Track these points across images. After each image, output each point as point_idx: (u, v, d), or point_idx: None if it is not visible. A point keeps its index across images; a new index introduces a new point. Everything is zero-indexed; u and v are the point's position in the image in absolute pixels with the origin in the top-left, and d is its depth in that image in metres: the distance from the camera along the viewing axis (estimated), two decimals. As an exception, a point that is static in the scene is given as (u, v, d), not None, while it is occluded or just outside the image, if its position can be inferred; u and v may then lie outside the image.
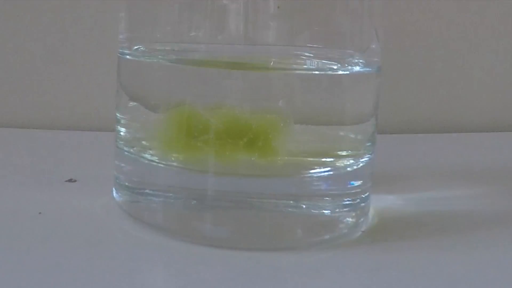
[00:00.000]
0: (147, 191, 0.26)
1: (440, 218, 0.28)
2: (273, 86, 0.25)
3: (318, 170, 0.25)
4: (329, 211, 0.25)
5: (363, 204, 0.26)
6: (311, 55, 0.25)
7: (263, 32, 0.25)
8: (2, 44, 0.43)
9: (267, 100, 0.24)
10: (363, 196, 0.26)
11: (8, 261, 0.22)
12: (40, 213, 0.26)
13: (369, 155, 0.26)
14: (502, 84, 0.48)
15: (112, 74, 0.28)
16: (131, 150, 0.26)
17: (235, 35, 0.24)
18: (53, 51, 0.43)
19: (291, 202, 0.25)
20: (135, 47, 0.26)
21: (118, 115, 0.27)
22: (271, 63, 0.26)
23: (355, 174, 0.26)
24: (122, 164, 0.27)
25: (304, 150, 0.25)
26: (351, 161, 0.26)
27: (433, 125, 0.47)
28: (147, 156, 0.25)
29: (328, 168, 0.25)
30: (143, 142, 0.26)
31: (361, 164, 0.26)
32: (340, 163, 0.26)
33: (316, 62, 0.26)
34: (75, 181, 0.30)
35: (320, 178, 0.25)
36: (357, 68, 0.26)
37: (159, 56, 0.26)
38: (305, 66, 0.26)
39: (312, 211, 0.25)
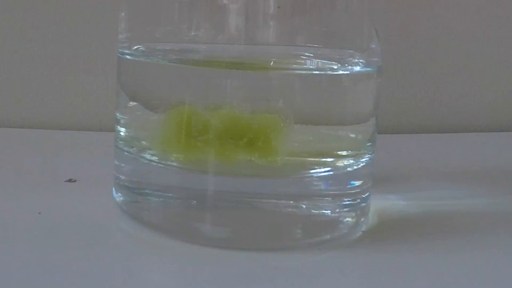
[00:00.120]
0: (147, 191, 0.26)
1: (440, 218, 0.28)
2: (273, 86, 0.25)
3: (318, 170, 0.25)
4: (329, 211, 0.25)
5: (363, 204, 0.26)
6: (311, 55, 0.25)
7: (263, 32, 0.25)
8: (2, 44, 0.43)
9: (267, 100, 0.24)
10: (363, 196, 0.26)
11: (8, 261, 0.22)
12: (39, 213, 0.26)
13: (369, 155, 0.26)
14: (502, 84, 0.48)
15: (112, 74, 0.28)
16: (131, 150, 0.26)
17: (235, 35, 0.24)
18: (53, 51, 0.43)
19: (291, 202, 0.25)
20: (135, 47, 0.26)
21: (118, 115, 0.27)
22: (271, 63, 0.25)
23: (355, 174, 0.26)
24: (122, 164, 0.27)
25: (304, 150, 0.25)
26: (351, 161, 0.26)
27: (433, 125, 0.47)
28: (147, 156, 0.25)
29: (328, 168, 0.25)
30: (143, 142, 0.26)
31: (361, 164, 0.26)
32: (340, 163, 0.26)
33: (316, 62, 0.26)
34: (74, 181, 0.30)
35: (320, 178, 0.25)
36: (357, 68, 0.26)
37: (159, 56, 0.26)
38: (305, 66, 0.26)
39: (312, 211, 0.25)
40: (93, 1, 0.42)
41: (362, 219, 0.26)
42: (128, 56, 0.27)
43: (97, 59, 0.43)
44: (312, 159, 0.25)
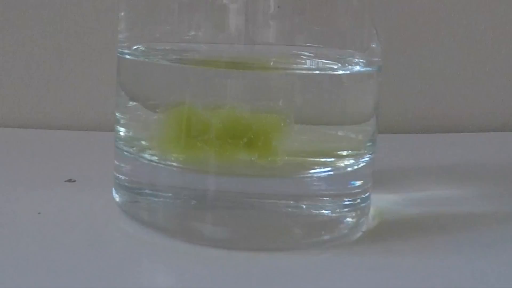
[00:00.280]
0: (146, 191, 0.25)
1: (440, 218, 0.28)
2: (273, 86, 0.25)
3: (318, 170, 0.25)
4: (329, 211, 0.25)
5: (363, 204, 0.26)
6: (312, 54, 0.25)
7: (263, 32, 0.25)
8: (2, 44, 0.43)
9: (267, 100, 0.24)
10: (364, 196, 0.26)
11: (8, 261, 0.22)
12: (39, 213, 0.26)
13: (369, 155, 0.26)
14: (502, 84, 0.48)
15: (112, 74, 0.27)
16: (131, 150, 0.26)
17: (235, 34, 0.24)
18: (53, 51, 0.43)
19: (291, 202, 0.25)
20: (135, 47, 0.26)
21: (117, 115, 0.27)
22: (271, 63, 0.25)
23: (355, 174, 0.26)
24: (122, 164, 0.27)
25: (305, 150, 0.25)
26: (352, 161, 0.26)
27: (433, 125, 0.47)
28: (147, 156, 0.25)
29: (329, 168, 0.25)
30: (143, 142, 0.26)
31: (361, 164, 0.26)
32: (341, 163, 0.25)
33: (316, 62, 0.26)
34: (74, 181, 0.30)
35: (321, 178, 0.25)
36: (357, 68, 0.26)
37: (159, 56, 0.26)
38: (305, 66, 0.26)
39: (312, 211, 0.25)
40: (93, 1, 0.42)
41: (362, 219, 0.26)
42: (128, 56, 0.26)
43: (97, 59, 0.43)
44: (312, 159, 0.25)
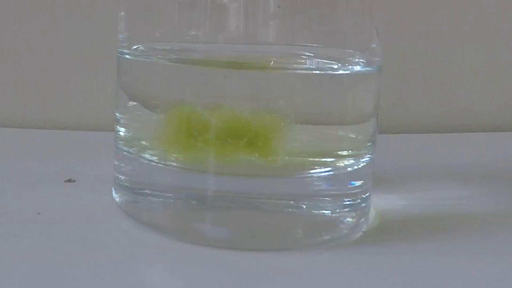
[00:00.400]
0: (146, 191, 0.25)
1: (441, 218, 0.28)
2: (273, 86, 0.25)
3: (318, 170, 0.25)
4: (330, 212, 0.25)
5: (363, 205, 0.26)
6: (312, 54, 0.25)
7: (263, 32, 0.25)
8: (2, 44, 0.43)
9: (267, 100, 0.24)
10: (364, 196, 0.26)
11: (7, 261, 0.22)
12: (39, 213, 0.26)
13: (369, 155, 0.26)
14: (502, 84, 0.48)
15: (112, 74, 0.27)
16: (131, 150, 0.26)
17: (235, 34, 0.24)
18: (52, 51, 0.43)
19: (291, 202, 0.25)
20: (135, 47, 0.26)
21: (117, 115, 0.27)
22: (271, 63, 0.25)
23: (355, 174, 0.26)
24: (122, 164, 0.27)
25: (305, 150, 0.25)
26: (352, 161, 0.26)
27: (433, 125, 0.47)
28: (147, 156, 0.25)
29: (329, 168, 0.25)
30: (143, 142, 0.26)
31: (361, 164, 0.26)
32: (341, 163, 0.25)
33: (316, 62, 0.26)
34: (74, 181, 0.30)
35: (321, 178, 0.25)
36: (357, 68, 0.26)
37: (159, 56, 0.26)
38: (305, 66, 0.26)
39: (313, 211, 0.25)
40: (93, 1, 0.42)
41: (363, 220, 0.26)
42: (127, 56, 0.26)
43: (97, 59, 0.43)
44: (312, 159, 0.25)
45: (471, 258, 0.24)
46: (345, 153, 0.26)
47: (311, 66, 0.26)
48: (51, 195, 0.28)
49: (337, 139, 0.26)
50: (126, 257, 0.23)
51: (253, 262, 0.23)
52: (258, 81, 0.25)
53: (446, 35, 0.47)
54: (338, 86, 0.26)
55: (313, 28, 0.25)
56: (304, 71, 0.26)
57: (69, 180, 0.30)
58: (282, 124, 0.24)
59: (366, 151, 0.26)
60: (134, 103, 0.26)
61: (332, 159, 0.25)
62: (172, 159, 0.25)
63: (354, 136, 0.26)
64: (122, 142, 0.27)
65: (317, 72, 0.26)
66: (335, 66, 0.26)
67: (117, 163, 0.27)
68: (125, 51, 0.27)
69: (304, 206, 0.25)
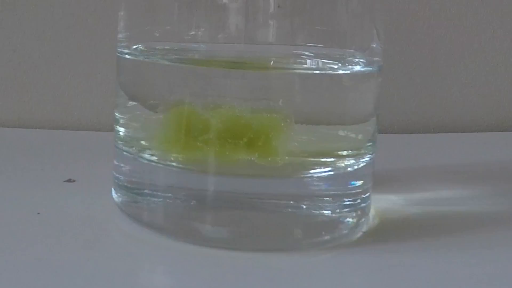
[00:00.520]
0: (146, 191, 0.25)
1: (441, 219, 0.28)
2: (274, 86, 0.25)
3: (318, 170, 0.25)
4: (330, 212, 0.25)
5: (364, 205, 0.26)
6: (312, 54, 0.25)
7: (263, 31, 0.25)
8: (2, 44, 0.43)
9: (268, 100, 0.24)
10: (364, 196, 0.26)
11: (6, 261, 0.22)
12: (38, 213, 0.26)
13: (370, 155, 0.26)
14: (502, 84, 0.48)
15: (111, 73, 0.27)
16: (130, 150, 0.26)
17: (235, 34, 0.24)
18: (52, 51, 0.43)
19: (291, 202, 0.24)
20: (134, 47, 0.26)
21: (117, 114, 0.27)
22: (271, 63, 0.25)
23: (355, 174, 0.26)
24: (121, 164, 0.26)
25: (305, 150, 0.25)
26: (352, 161, 0.26)
27: (433, 125, 0.47)
28: (146, 156, 0.25)
29: (329, 168, 0.25)
30: (142, 142, 0.26)
31: (362, 164, 0.26)
32: (341, 163, 0.25)
33: (316, 62, 0.26)
34: (74, 181, 0.30)
35: (321, 178, 0.25)
36: (358, 68, 0.26)
37: (159, 56, 0.26)
38: (305, 66, 0.26)
39: (313, 211, 0.25)
40: (93, 1, 0.42)
41: (363, 220, 0.26)
42: (127, 56, 0.26)
43: (96, 59, 0.43)
44: (312, 159, 0.25)
45: (470, 258, 0.24)
46: (345, 153, 0.26)
47: (311, 66, 0.26)
48: (51, 195, 0.28)
49: (337, 139, 0.26)
50: (126, 257, 0.23)
51: (253, 262, 0.23)
52: (258, 81, 0.25)
53: (446, 35, 0.47)
54: (338, 86, 0.25)
55: (313, 28, 0.25)
56: (304, 71, 0.26)
57: (69, 180, 0.30)
58: (282, 124, 0.24)
59: (366, 151, 0.26)
60: (134, 103, 0.26)
61: (332, 159, 0.25)
62: (172, 159, 0.25)
63: (354, 136, 0.26)
64: (121, 142, 0.26)
65: (317, 72, 0.26)
66: (335, 66, 0.26)
67: (116, 163, 0.27)
68: (125, 50, 0.26)
69: (304, 206, 0.25)
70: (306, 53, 0.25)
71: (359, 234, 0.26)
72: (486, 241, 0.26)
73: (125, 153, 0.26)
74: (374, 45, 0.26)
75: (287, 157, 0.24)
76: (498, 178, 0.35)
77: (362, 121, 0.26)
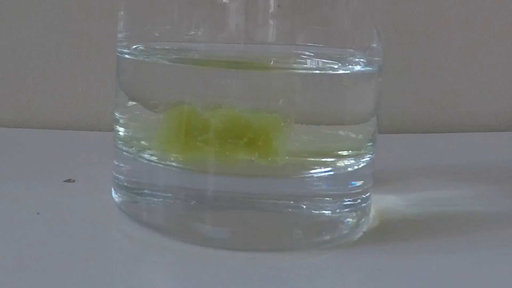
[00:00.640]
0: (146, 191, 0.25)
1: (441, 219, 0.28)
2: (274, 86, 0.25)
3: (318, 170, 0.25)
4: (330, 212, 0.25)
5: (364, 205, 0.26)
6: (312, 54, 0.25)
7: (263, 31, 0.24)
8: (2, 44, 0.42)
9: (268, 100, 0.24)
10: (364, 196, 0.26)
11: (6, 261, 0.22)
12: (38, 213, 0.26)
13: (370, 155, 0.26)
14: (502, 84, 0.48)
15: (111, 73, 0.27)
16: (130, 150, 0.26)
17: (235, 34, 0.24)
18: (52, 51, 0.43)
19: (292, 202, 0.24)
20: (134, 46, 0.26)
21: (117, 114, 0.27)
22: (271, 62, 0.25)
23: (356, 174, 0.26)
24: (121, 164, 0.26)
25: (305, 150, 0.25)
26: (352, 161, 0.26)
27: (433, 125, 0.47)
28: (146, 156, 0.25)
29: (329, 168, 0.25)
30: (142, 142, 0.26)
31: (362, 164, 0.26)
32: (341, 163, 0.25)
33: (316, 61, 0.26)
34: (73, 181, 0.30)
35: (321, 178, 0.25)
36: (358, 68, 0.26)
37: (158, 55, 0.26)
38: (305, 66, 0.26)
39: (313, 211, 0.25)
40: (93, 0, 0.42)
41: (363, 220, 0.26)
42: (127, 56, 0.26)
43: (96, 59, 0.43)
44: (312, 159, 0.25)
45: (470, 258, 0.24)
46: (345, 153, 0.26)
47: (311, 66, 0.26)
48: (51, 195, 0.28)
49: (338, 139, 0.26)
50: (125, 257, 0.23)
51: (253, 262, 0.23)
52: (258, 81, 0.25)
53: (446, 35, 0.47)
54: (338, 86, 0.25)
55: (313, 28, 0.25)
56: (304, 71, 0.26)
57: (69, 180, 0.30)
58: (282, 124, 0.24)
59: (366, 151, 0.26)
60: (134, 103, 0.26)
61: (332, 159, 0.25)
62: (172, 159, 0.25)
63: (354, 136, 0.26)
64: (121, 142, 0.26)
65: (317, 72, 0.26)
66: (335, 66, 0.26)
67: (116, 163, 0.27)
68: (125, 50, 0.26)
69: (304, 206, 0.25)
70: (306, 53, 0.25)
71: (359, 234, 0.26)
72: (486, 241, 0.26)
73: (125, 153, 0.26)
74: (374, 45, 0.26)
75: (287, 157, 0.24)
76: (498, 178, 0.35)
77: (362, 121, 0.26)
